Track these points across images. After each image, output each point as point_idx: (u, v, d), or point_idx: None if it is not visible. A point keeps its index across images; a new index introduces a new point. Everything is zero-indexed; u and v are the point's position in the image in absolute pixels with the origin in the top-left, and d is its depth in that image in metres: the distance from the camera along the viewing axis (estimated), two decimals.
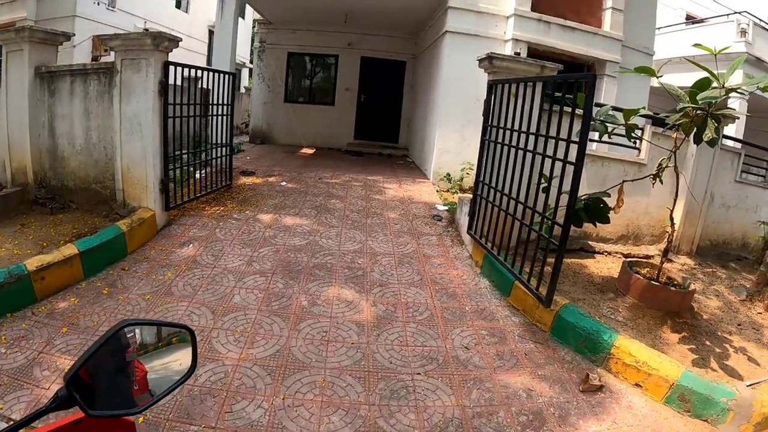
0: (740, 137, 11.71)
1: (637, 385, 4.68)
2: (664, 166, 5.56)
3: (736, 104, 10.06)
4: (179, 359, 1.12)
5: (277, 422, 3.55)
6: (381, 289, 5.60)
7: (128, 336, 1.13)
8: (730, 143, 9.52)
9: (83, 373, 1.01)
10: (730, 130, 12.91)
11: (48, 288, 5.15)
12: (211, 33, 20.55)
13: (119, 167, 6.89)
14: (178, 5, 19.72)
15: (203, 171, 8.08)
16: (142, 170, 6.72)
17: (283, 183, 9.19)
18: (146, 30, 6.85)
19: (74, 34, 9.62)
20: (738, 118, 9.09)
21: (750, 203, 9.46)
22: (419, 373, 4.29)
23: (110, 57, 11.33)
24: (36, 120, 7.70)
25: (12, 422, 0.97)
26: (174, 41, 6.69)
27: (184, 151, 7.33)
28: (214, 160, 8.21)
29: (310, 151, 14.09)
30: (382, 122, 15.83)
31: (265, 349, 4.31)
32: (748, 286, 7.21)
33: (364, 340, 4.62)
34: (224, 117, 8.15)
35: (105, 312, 4.79)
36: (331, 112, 15.66)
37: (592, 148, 8.43)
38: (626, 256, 7.44)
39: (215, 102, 7.92)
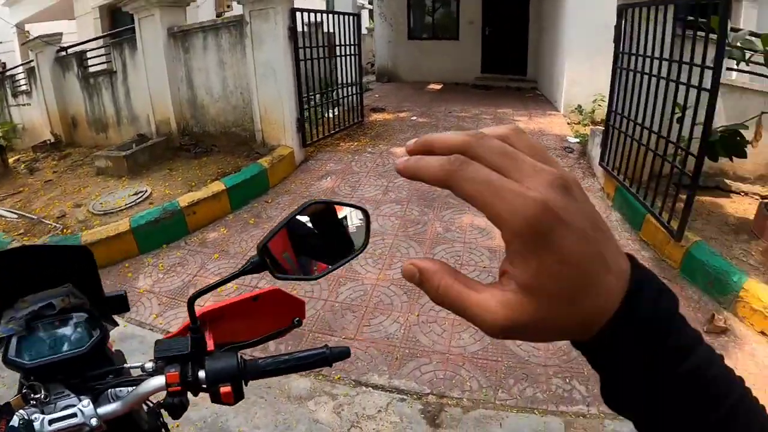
0: None
1: (762, 333, 4.52)
2: None
3: None
4: (353, 237, 1.22)
5: (412, 336, 3.84)
6: None
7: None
8: None
9: (272, 245, 1.14)
10: None
11: (199, 221, 5.74)
12: None
13: (257, 110, 7.35)
14: None
15: (335, 110, 8.39)
16: (279, 111, 7.12)
17: (414, 118, 9.35)
18: None
19: None
20: None
21: None
22: None
23: (233, 12, 11.80)
24: (174, 75, 8.31)
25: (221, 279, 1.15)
26: None
27: (316, 92, 7.63)
28: (344, 99, 8.50)
29: (438, 86, 14.11)
30: (509, 55, 15.25)
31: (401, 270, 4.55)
32: None
33: (495, 265, 4.77)
34: (352, 57, 8.38)
35: (252, 239, 5.27)
36: (455, 46, 15.35)
37: (731, 77, 7.93)
38: (765, 198, 7.04)
39: (342, 43, 8.12)
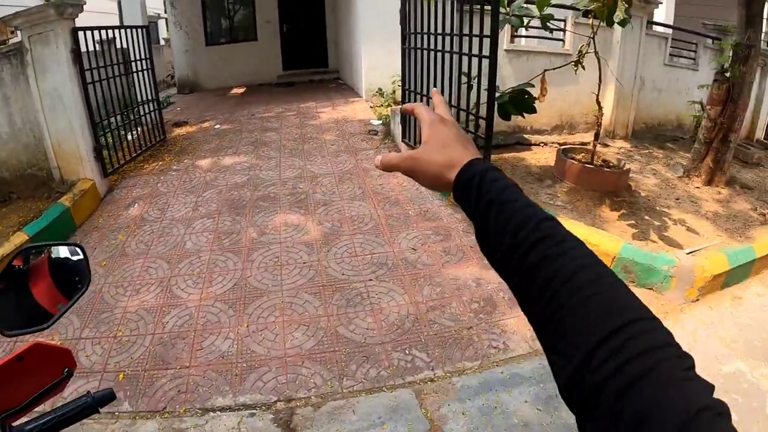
0: (670, 23, 11.85)
1: None
2: (584, 52, 5.73)
3: None
4: (77, 274, 1.22)
5: (245, 348, 3.78)
6: (325, 208, 5.78)
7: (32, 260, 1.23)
8: (659, 29, 9.68)
9: None
10: (659, 16, 13.02)
11: None
12: None
13: (50, 145, 6.74)
14: None
15: (135, 131, 7.94)
16: (73, 143, 6.61)
17: (217, 126, 9.16)
18: (47, 1, 6.69)
19: None
20: (659, 2, 9.21)
21: (681, 86, 9.72)
22: (371, 279, 4.53)
23: (18, 38, 10.92)
24: None
25: None
26: (78, 6, 6.45)
27: (112, 116, 7.20)
28: (144, 118, 8.05)
29: (240, 90, 13.89)
30: (309, 49, 15.49)
31: (223, 285, 4.49)
32: (684, 163, 7.54)
33: (315, 258, 4.83)
34: (145, 72, 7.97)
35: None
36: (255, 47, 15.25)
37: (521, 44, 8.57)
38: (562, 145, 7.70)
39: (133, 59, 7.74)
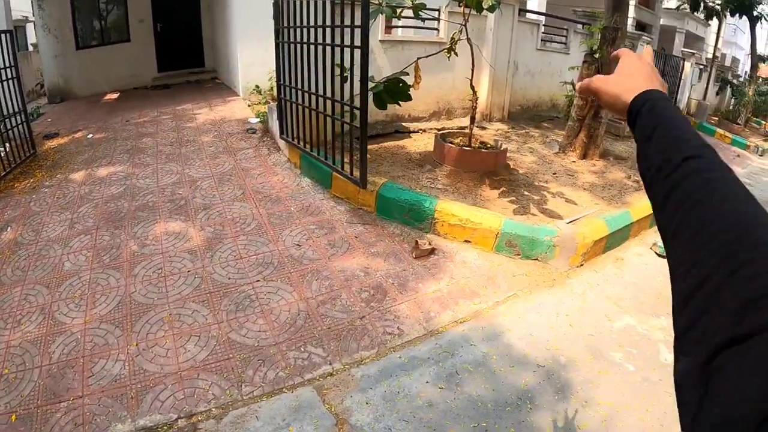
0: (543, 11, 12.33)
1: (466, 241, 5.12)
2: (456, 39, 5.83)
3: None
4: None
5: (138, 368, 3.56)
6: (206, 212, 5.55)
7: None
8: (532, 16, 9.99)
9: None
10: (532, 4, 13.43)
11: None
12: None
13: None
14: None
15: (3, 147, 7.37)
16: None
17: (90, 135, 8.54)
18: None
19: None
20: None
21: (554, 68, 10.15)
22: (258, 280, 4.41)
23: None
24: None
25: None
26: None
27: None
28: (11, 132, 7.25)
29: (114, 96, 13.01)
30: (185, 49, 14.76)
31: (107, 304, 4.18)
32: (560, 140, 7.86)
33: (199, 265, 4.63)
34: (10, 81, 7.14)
35: None
36: (128, 49, 14.26)
37: (398, 34, 8.62)
38: (441, 130, 7.83)
39: (5, 66, 6.91)
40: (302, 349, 3.72)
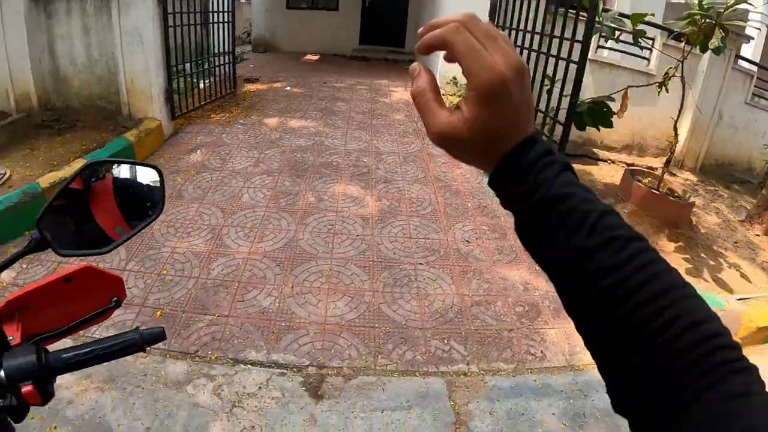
0: (757, 60, 11.44)
1: None
2: (670, 75, 5.57)
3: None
4: (149, 199, 1.14)
5: (287, 308, 3.80)
6: (386, 185, 5.75)
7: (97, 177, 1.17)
8: (745, 65, 9.36)
9: (52, 216, 1.07)
10: (747, 51, 12.61)
11: None
12: None
13: (123, 81, 6.94)
14: None
15: (207, 80, 8.08)
16: (146, 82, 6.77)
17: (288, 88, 9.18)
18: None
19: None
20: (751, 38, 8.94)
21: (759, 127, 9.39)
22: (421, 264, 4.49)
23: None
24: (35, 44, 7.78)
25: None
26: None
27: (186, 61, 7.34)
28: (217, 69, 8.19)
29: (315, 57, 13.93)
30: (388, 27, 15.29)
31: (274, 243, 4.52)
32: (749, 207, 7.31)
33: (368, 233, 4.82)
34: (225, 25, 8.07)
35: None
36: (335, 17, 15.14)
37: (603, 55, 8.40)
38: (630, 165, 7.53)
39: (215, 10, 7.84)
40: (445, 342, 3.72)
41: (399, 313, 3.90)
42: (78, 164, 5.61)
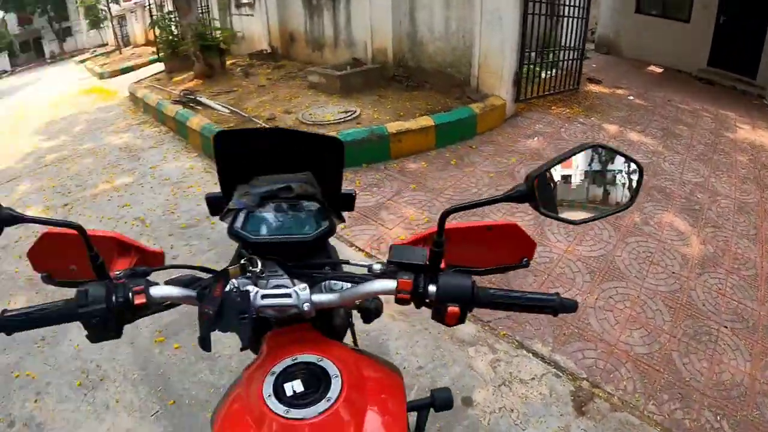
0: None
1: None
2: None
3: None
4: (622, 191, 1.23)
5: (584, 317, 3.91)
6: (714, 230, 5.44)
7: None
8: None
9: (545, 180, 1.13)
10: None
11: (402, 150, 6.11)
12: None
13: (476, 55, 7.46)
14: None
15: (550, 71, 8.28)
16: (498, 61, 7.19)
17: (630, 97, 8.99)
18: None
19: None
20: None
21: None
22: (726, 327, 4.22)
23: None
24: (397, 8, 8.62)
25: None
26: None
27: (533, 50, 7.57)
28: (562, 63, 8.35)
29: (657, 69, 13.28)
30: (741, 51, 13.40)
31: (591, 249, 4.63)
32: None
33: (685, 274, 4.64)
34: (577, 20, 8.16)
35: (451, 179, 5.55)
36: (684, 29, 13.82)
37: None
38: None
39: (569, 3, 7.98)
40: (717, 419, 3.42)
41: (687, 368, 3.75)
42: (424, 120, 6.20)
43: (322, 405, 1.00)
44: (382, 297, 1.34)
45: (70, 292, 1.14)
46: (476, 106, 6.74)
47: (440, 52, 8.27)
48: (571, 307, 1.14)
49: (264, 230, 1.27)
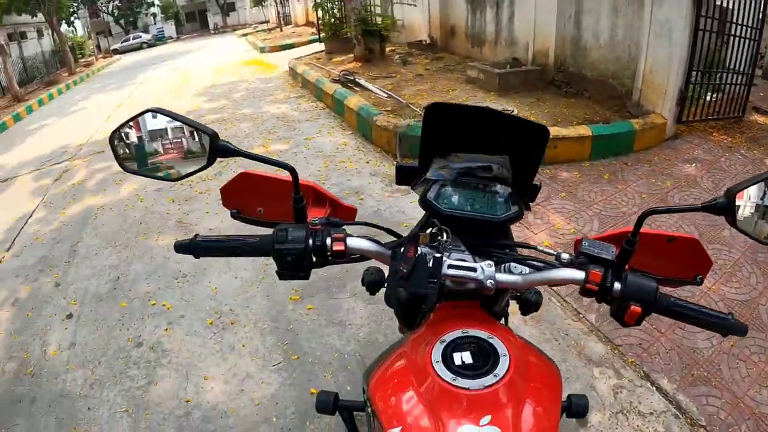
0: None
1: None
2: None
3: None
4: None
5: (717, 363, 3.69)
6: None
7: None
8: None
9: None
10: None
11: (556, 157, 6.04)
12: None
13: (641, 68, 7.17)
14: None
15: (714, 95, 7.77)
16: (664, 77, 6.87)
17: None
18: None
19: None
20: None
21: None
22: None
23: None
24: (563, 11, 8.48)
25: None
26: None
27: (699, 69, 7.15)
28: (727, 86, 7.80)
29: None
30: None
31: (736, 291, 4.35)
32: None
33: None
34: (747, 41, 7.55)
35: (602, 193, 5.43)
36: None
37: None
38: None
39: (737, 22, 7.37)
40: None
41: None
42: (581, 129, 6.27)
43: (489, 380, 1.04)
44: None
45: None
46: (636, 122, 6.54)
47: (603, 60, 8.08)
48: (741, 330, 1.15)
49: (455, 204, 1.33)
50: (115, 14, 56.27)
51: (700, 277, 1.38)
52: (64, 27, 36.75)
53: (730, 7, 7.33)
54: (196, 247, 1.25)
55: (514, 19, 10.21)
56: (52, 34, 32.11)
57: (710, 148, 6.70)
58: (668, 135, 6.89)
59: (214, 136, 1.20)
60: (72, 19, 43.68)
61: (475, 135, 1.39)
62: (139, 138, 1.30)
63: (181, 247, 1.27)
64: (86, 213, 6.59)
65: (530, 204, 1.55)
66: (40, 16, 29.23)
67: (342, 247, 1.22)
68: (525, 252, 1.40)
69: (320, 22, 17.13)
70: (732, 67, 7.74)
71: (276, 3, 33.41)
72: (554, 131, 6.09)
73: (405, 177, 1.57)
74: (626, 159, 6.22)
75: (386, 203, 5.55)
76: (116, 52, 44.37)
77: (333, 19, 15.70)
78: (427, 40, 13.36)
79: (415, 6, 14.23)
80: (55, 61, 31.47)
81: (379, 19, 13.22)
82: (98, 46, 47.58)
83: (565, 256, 1.22)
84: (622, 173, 5.89)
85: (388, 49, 13.05)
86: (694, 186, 5.70)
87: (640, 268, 1.25)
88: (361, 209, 5.22)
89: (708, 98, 7.61)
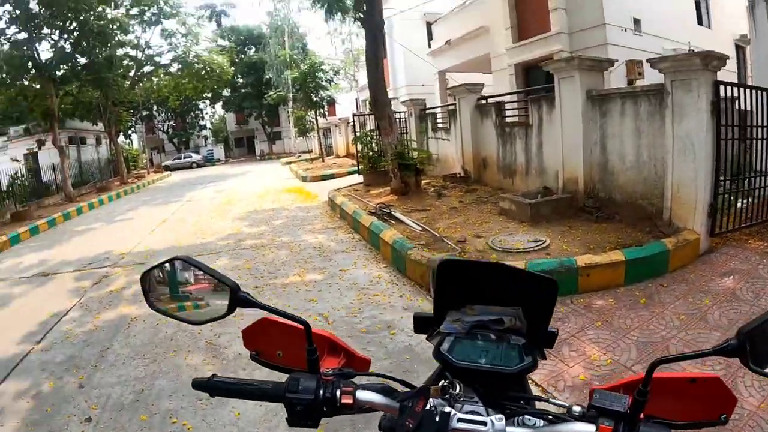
0: None
1: None
2: None
3: None
4: None
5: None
6: None
7: None
8: None
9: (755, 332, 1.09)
10: None
11: (590, 284, 6.09)
12: (737, 47, 19.21)
13: (669, 186, 7.28)
14: (699, 22, 18.54)
15: (745, 200, 7.88)
16: (692, 191, 6.97)
17: None
18: (692, 50, 6.98)
19: (617, 60, 10.46)
20: None
21: None
22: None
23: (643, 81, 11.88)
24: (588, 137, 8.82)
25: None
26: (722, 60, 6.75)
27: (727, 178, 7.27)
28: (757, 190, 7.87)
29: None
30: None
31: None
32: None
33: None
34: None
35: (639, 319, 5.38)
36: None
37: None
38: None
39: (759, 124, 7.56)
40: None
41: None
42: (615, 255, 6.23)
43: None
44: None
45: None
46: (669, 241, 6.57)
47: (631, 182, 8.27)
48: None
49: (469, 357, 1.34)
50: (170, 133, 61.74)
51: (724, 416, 1.30)
52: (121, 138, 40.77)
53: (750, 108, 7.48)
54: (212, 387, 1.34)
55: (542, 149, 10.60)
56: (110, 144, 35.32)
57: (747, 256, 6.68)
58: (703, 250, 6.92)
59: (234, 289, 1.31)
60: (129, 132, 48.35)
61: (488, 288, 1.45)
62: (167, 282, 1.45)
63: (199, 385, 1.36)
64: (120, 321, 6.84)
65: (546, 351, 1.56)
66: (101, 125, 32.49)
67: (350, 400, 1.27)
68: (537, 404, 1.43)
69: (359, 154, 17.87)
70: (759, 169, 7.85)
71: (319, 134, 35.16)
72: (586, 259, 6.20)
73: (422, 326, 1.60)
74: (662, 280, 6.19)
75: (418, 338, 5.65)
76: (167, 168, 47.85)
77: (371, 153, 16.38)
78: (460, 172, 13.91)
79: (449, 140, 14.84)
80: (109, 169, 34.27)
81: (415, 153, 13.76)
82: (151, 160, 52.16)
83: (576, 408, 1.22)
84: (659, 295, 5.86)
85: (423, 182, 13.53)
86: (734, 300, 5.67)
87: (659, 414, 1.24)
88: (392, 345, 5.41)
89: (739, 205, 7.68)
